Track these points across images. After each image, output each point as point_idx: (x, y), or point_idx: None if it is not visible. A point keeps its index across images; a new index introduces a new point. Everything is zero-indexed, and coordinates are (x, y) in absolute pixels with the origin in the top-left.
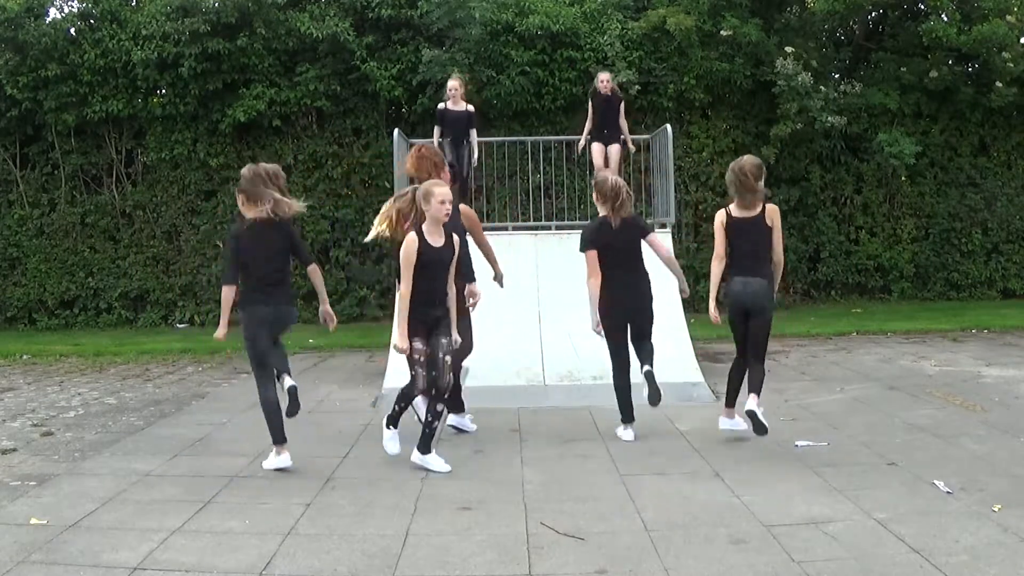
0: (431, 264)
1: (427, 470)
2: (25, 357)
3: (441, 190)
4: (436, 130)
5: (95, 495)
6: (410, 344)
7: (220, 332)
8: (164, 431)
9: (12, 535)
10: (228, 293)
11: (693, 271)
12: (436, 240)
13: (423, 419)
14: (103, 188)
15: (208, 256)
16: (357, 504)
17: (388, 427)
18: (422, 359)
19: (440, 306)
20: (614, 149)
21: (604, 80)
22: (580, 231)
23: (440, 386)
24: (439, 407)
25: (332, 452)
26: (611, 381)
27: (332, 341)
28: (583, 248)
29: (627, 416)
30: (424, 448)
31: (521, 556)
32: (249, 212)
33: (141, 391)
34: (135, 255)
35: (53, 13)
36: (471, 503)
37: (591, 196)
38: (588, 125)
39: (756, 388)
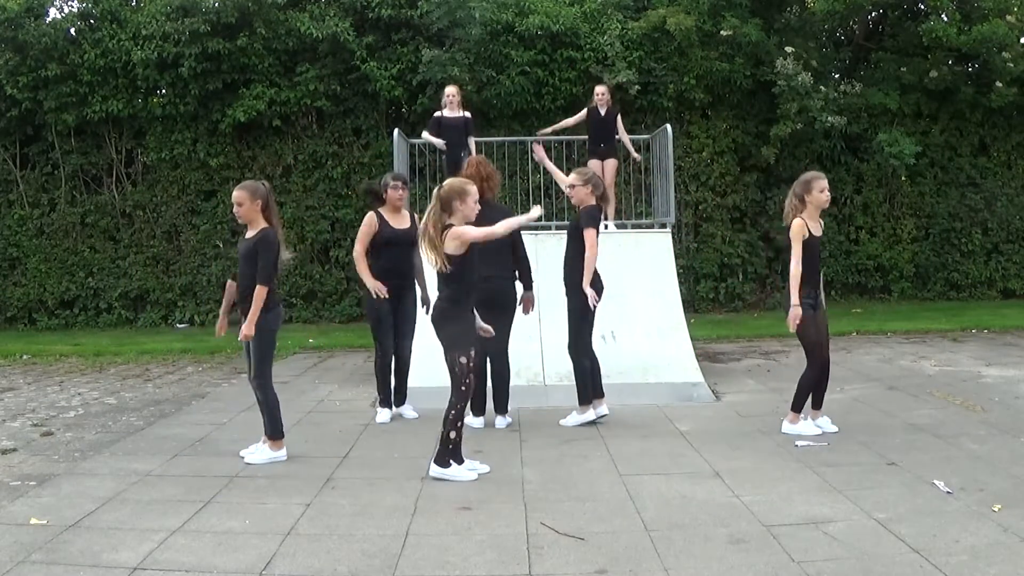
0: (475, 255)
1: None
2: (25, 357)
3: (474, 188)
4: (425, 133)
5: (95, 495)
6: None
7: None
8: (164, 431)
9: (12, 535)
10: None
11: (693, 271)
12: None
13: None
14: (103, 188)
15: (208, 256)
16: (357, 504)
17: (448, 465)
18: (472, 365)
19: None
20: (610, 164)
21: (600, 93)
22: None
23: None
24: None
25: (332, 452)
26: (611, 381)
27: (332, 341)
28: (592, 225)
29: (600, 391)
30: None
31: (521, 556)
32: (261, 223)
33: (141, 391)
34: (135, 255)
35: (53, 13)
36: (471, 503)
37: None
38: (572, 121)
39: (793, 403)
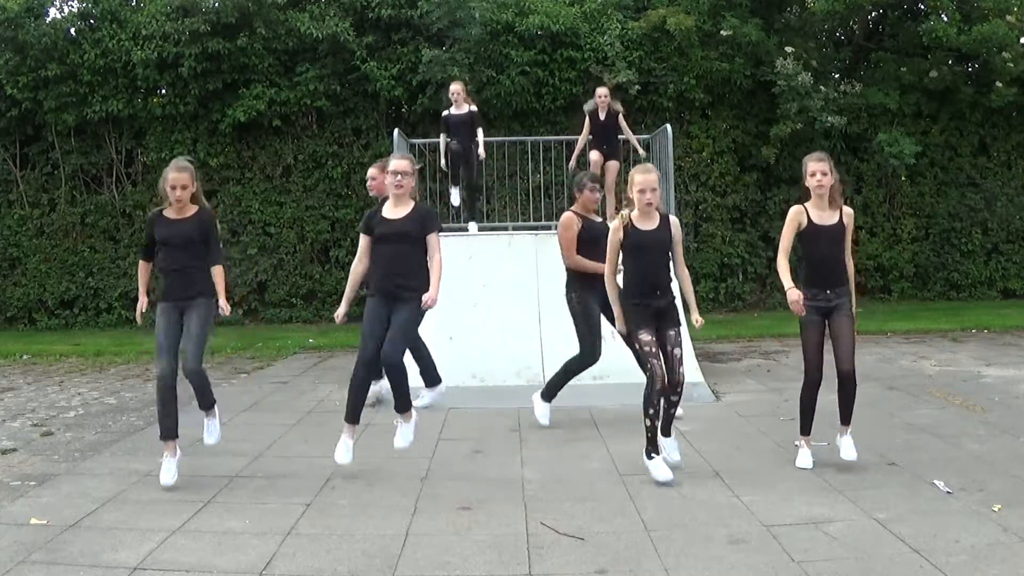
0: (641, 247)
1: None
2: (25, 357)
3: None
4: (442, 137)
5: (95, 495)
6: (638, 335)
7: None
8: None
9: (12, 535)
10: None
11: (693, 271)
12: (645, 224)
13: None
14: (103, 188)
15: None
16: (357, 504)
17: (651, 457)
18: (653, 350)
19: (663, 296)
20: (612, 165)
21: (602, 96)
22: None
23: (673, 380)
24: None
25: (332, 452)
26: (610, 381)
27: (332, 341)
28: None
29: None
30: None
31: (521, 556)
32: (193, 205)
33: (141, 391)
34: (135, 255)
35: (53, 13)
36: (471, 503)
37: None
38: (582, 139)
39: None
